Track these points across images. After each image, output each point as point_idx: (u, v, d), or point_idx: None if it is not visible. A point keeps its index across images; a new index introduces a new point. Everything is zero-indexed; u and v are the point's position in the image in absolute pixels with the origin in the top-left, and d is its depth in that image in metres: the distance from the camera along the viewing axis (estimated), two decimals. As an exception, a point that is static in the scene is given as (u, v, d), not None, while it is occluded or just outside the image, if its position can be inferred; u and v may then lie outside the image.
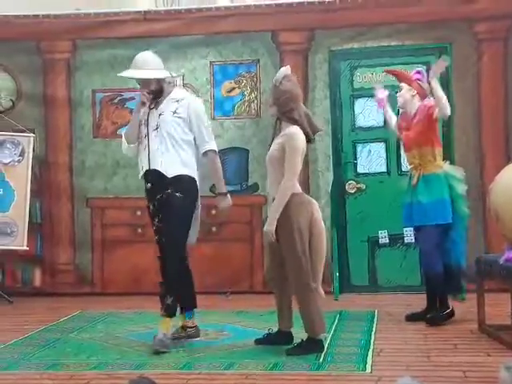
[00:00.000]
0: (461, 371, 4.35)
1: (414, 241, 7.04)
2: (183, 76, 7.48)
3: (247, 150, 7.39)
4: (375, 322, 5.72)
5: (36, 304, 7.01)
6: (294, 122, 4.85)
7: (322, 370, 4.47)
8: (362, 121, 7.25)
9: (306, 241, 4.75)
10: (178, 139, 5.17)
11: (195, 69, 7.44)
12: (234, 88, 7.49)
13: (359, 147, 7.25)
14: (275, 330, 5.10)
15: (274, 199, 4.86)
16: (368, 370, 4.44)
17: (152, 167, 5.15)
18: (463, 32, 7.01)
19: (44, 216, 7.55)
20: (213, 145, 5.27)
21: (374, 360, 4.62)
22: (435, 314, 5.61)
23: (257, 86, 7.39)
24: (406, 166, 7.11)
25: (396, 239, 7.10)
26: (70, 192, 7.50)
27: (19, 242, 7.20)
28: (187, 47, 7.47)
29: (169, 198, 5.11)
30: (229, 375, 4.43)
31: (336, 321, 5.76)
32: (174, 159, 5.15)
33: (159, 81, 5.27)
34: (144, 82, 5.29)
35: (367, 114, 7.24)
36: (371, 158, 7.23)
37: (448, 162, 5.87)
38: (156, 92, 5.24)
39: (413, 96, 5.75)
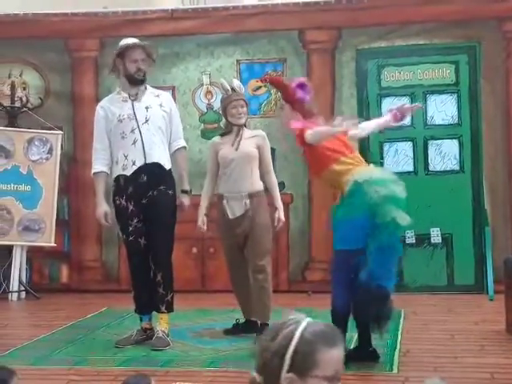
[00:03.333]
0: (488, 373, 4.32)
1: (440, 241, 7.06)
2: (210, 74, 7.50)
3: (274, 149, 7.35)
4: (401, 322, 5.69)
5: (63, 300, 7.07)
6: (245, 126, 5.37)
7: (348, 370, 4.43)
8: (389, 120, 7.21)
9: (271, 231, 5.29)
10: (165, 133, 5.20)
11: (222, 67, 7.46)
12: (260, 87, 7.49)
13: (386, 146, 7.22)
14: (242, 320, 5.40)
15: (248, 194, 5.15)
16: (394, 370, 4.43)
17: (149, 161, 5.06)
18: (492, 30, 6.96)
19: (71, 213, 7.61)
20: (184, 142, 5.38)
21: (400, 360, 4.60)
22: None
23: (283, 85, 7.37)
24: (433, 165, 7.14)
25: (423, 239, 7.07)
26: (98, 189, 7.53)
27: (47, 239, 7.26)
28: (214, 46, 7.49)
29: (162, 196, 5.07)
30: (255, 373, 4.42)
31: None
32: (165, 153, 5.19)
33: (148, 66, 5.25)
34: (144, 57, 5.15)
35: (394, 113, 7.20)
36: (398, 158, 7.20)
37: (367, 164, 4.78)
38: (144, 78, 5.17)
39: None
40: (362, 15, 7.11)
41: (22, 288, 7.26)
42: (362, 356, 4.55)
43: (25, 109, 7.49)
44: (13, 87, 7.54)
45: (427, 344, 5.04)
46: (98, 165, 5.16)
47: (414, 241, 7.08)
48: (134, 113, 5.09)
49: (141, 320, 5.24)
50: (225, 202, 5.22)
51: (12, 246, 7.26)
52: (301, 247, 7.31)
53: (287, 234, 7.30)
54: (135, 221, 5.08)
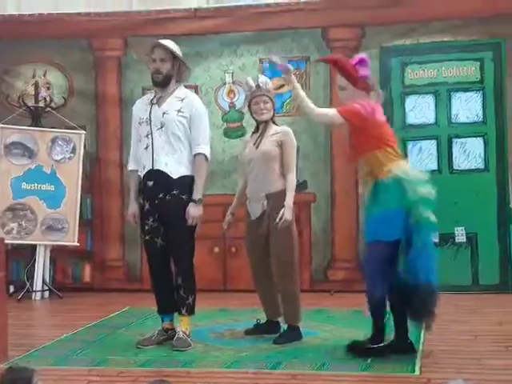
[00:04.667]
0: (513, 375, 4.26)
1: (465, 240, 6.99)
2: (232, 73, 7.49)
3: (297, 148, 7.33)
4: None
5: (85, 300, 7.10)
6: (275, 123, 5.25)
7: (371, 371, 4.41)
8: (412, 118, 7.16)
9: (295, 233, 5.17)
10: (183, 139, 5.02)
11: (244, 66, 7.44)
12: (283, 85, 7.44)
13: (410, 145, 7.15)
14: (263, 320, 5.38)
15: (266, 195, 5.08)
16: (417, 372, 4.37)
17: (156, 167, 5.00)
18: (518, 27, 6.87)
19: (94, 212, 7.64)
20: (205, 149, 5.06)
21: (422, 362, 4.54)
22: (360, 342, 4.73)
23: (306, 83, 7.35)
24: (458, 164, 7.06)
25: (447, 239, 6.99)
26: (121, 189, 7.53)
27: (70, 238, 7.30)
28: (237, 44, 7.48)
29: (175, 200, 5.00)
30: (276, 375, 4.40)
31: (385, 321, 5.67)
32: (179, 159, 5.02)
33: (173, 67, 5.07)
34: (164, 57, 5.01)
35: (418, 111, 7.15)
36: (422, 156, 7.13)
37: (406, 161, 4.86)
38: (164, 80, 5.03)
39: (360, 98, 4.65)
40: (386, 13, 7.05)
41: (46, 287, 7.30)
42: (400, 349, 4.62)
43: (48, 108, 7.53)
44: (36, 87, 7.58)
45: (450, 345, 4.98)
46: (131, 162, 5.21)
47: (438, 240, 6.96)
48: (150, 117, 5.03)
49: (162, 320, 5.23)
50: (248, 202, 5.22)
51: (36, 246, 7.30)
52: (323, 246, 7.28)
53: (310, 233, 7.28)
54: (151, 220, 5.07)
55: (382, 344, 4.65)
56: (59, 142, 7.36)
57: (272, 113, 5.22)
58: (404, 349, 4.66)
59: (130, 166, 5.22)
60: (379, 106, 4.71)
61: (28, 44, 7.63)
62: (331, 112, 4.66)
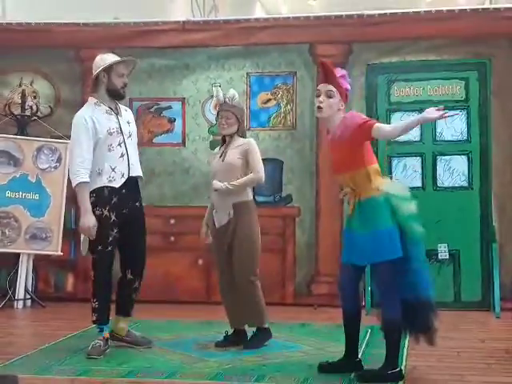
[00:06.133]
0: (495, 392, 4.29)
1: (447, 257, 7.03)
2: (220, 87, 7.49)
3: (282, 162, 7.39)
4: (407, 338, 5.64)
5: (68, 309, 7.07)
6: (243, 135, 5.47)
7: (354, 387, 4.44)
8: (397, 135, 7.19)
9: (258, 241, 5.38)
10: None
11: (232, 79, 7.47)
12: (269, 99, 7.50)
13: (395, 161, 7.21)
14: (231, 331, 5.50)
15: (232, 205, 5.29)
16: (400, 386, 4.39)
17: (132, 174, 5.24)
18: (503, 48, 6.98)
19: (78, 222, 7.59)
20: None
21: (406, 377, 4.56)
22: (375, 371, 4.54)
23: (293, 98, 7.40)
24: (442, 181, 7.12)
25: (430, 255, 7.00)
26: (105, 199, 7.53)
27: (53, 248, 7.28)
28: (225, 58, 7.52)
29: (140, 209, 5.36)
30: (259, 387, 4.42)
31: (367, 336, 5.69)
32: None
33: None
34: (129, 70, 5.41)
35: (404, 128, 7.19)
36: (406, 173, 7.18)
37: (388, 178, 4.90)
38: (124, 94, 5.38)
39: (339, 109, 4.61)
40: (373, 30, 7.12)
41: (28, 296, 7.26)
42: (386, 377, 4.46)
43: (35, 117, 7.52)
44: (23, 96, 7.57)
45: (433, 361, 5.00)
46: (86, 175, 5.10)
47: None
48: (120, 127, 5.23)
49: (102, 330, 5.28)
50: (214, 212, 5.43)
51: (19, 254, 7.27)
52: (307, 261, 7.30)
53: (294, 247, 7.30)
54: (115, 231, 5.20)
55: (398, 369, 4.53)
56: (45, 151, 7.35)
57: (235, 127, 5.40)
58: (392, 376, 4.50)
59: (86, 179, 5.09)
60: None
61: (15, 53, 7.63)
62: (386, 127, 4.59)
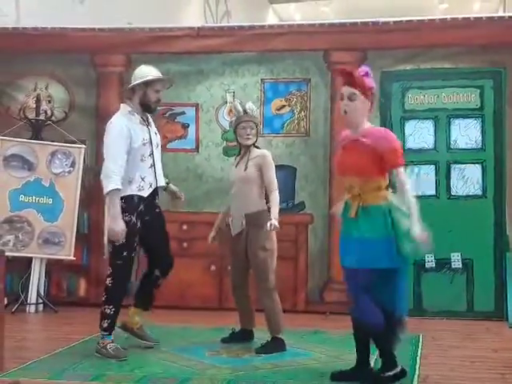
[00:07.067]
0: (509, 402, 4.27)
1: (460, 266, 7.01)
2: (234, 93, 7.52)
3: (295, 168, 7.38)
4: (420, 347, 5.64)
5: (80, 314, 7.06)
6: (257, 147, 5.64)
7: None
8: (412, 143, 7.19)
9: (274, 251, 5.51)
10: None
11: (246, 86, 7.47)
12: (283, 106, 7.50)
13: (409, 169, 7.17)
14: (237, 329, 5.78)
15: (245, 215, 5.47)
16: (413, 396, 4.38)
17: (158, 184, 5.43)
18: (519, 56, 6.94)
19: (91, 227, 7.62)
20: None
21: (419, 387, 4.55)
22: (378, 375, 4.60)
23: (307, 105, 7.39)
24: (455, 189, 7.09)
25: (443, 264, 7.03)
26: (118, 204, 7.55)
27: (66, 252, 7.29)
28: (239, 64, 7.52)
29: (161, 213, 5.53)
30: (272, 395, 4.41)
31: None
32: None
33: None
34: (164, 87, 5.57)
35: (417, 135, 7.18)
36: (420, 181, 7.16)
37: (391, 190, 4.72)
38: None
39: (365, 110, 4.63)
40: (388, 37, 7.11)
41: (40, 301, 7.28)
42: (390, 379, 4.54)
43: (49, 122, 7.54)
44: (38, 100, 7.59)
45: (446, 370, 4.98)
46: (119, 182, 5.17)
47: (434, 265, 7.04)
48: (150, 138, 5.38)
49: (110, 335, 5.37)
50: (230, 219, 5.63)
51: (31, 258, 7.28)
52: (320, 268, 7.28)
53: (306, 255, 7.29)
54: (137, 238, 5.36)
55: (398, 368, 4.58)
56: (59, 156, 7.37)
57: (256, 138, 5.61)
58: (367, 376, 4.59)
59: (119, 185, 5.18)
60: None
61: (31, 57, 7.66)
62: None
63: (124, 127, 5.24)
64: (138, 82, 5.33)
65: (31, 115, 7.56)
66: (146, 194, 5.33)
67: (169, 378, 4.69)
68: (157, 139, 5.47)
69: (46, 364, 5.04)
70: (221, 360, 5.21)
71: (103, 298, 5.34)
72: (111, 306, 5.29)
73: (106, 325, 5.31)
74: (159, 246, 5.50)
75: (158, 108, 7.44)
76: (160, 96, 5.43)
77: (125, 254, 5.26)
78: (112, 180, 5.15)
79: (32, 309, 7.20)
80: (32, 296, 7.23)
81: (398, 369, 4.56)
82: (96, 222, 7.59)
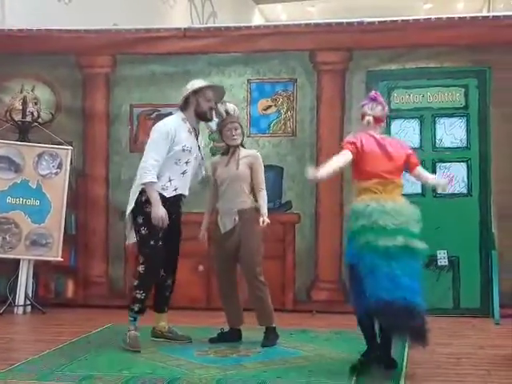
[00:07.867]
0: (494, 398, 4.30)
1: (447, 264, 7.05)
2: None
3: (282, 168, 7.41)
4: (407, 345, 5.66)
5: (68, 315, 7.07)
6: (243, 146, 5.82)
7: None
8: (397, 142, 7.21)
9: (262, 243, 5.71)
10: None
11: (232, 86, 7.47)
12: (270, 106, 7.53)
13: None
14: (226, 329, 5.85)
15: (238, 211, 5.63)
16: (400, 393, 4.41)
17: (183, 192, 5.69)
18: (502, 55, 6.97)
19: (79, 228, 7.62)
20: None
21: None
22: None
23: (293, 105, 7.42)
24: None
25: (429, 261, 7.03)
26: (106, 205, 7.57)
27: (54, 253, 7.28)
28: (225, 65, 7.53)
29: (179, 222, 5.80)
30: (260, 393, 4.43)
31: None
32: None
33: None
34: (218, 98, 5.78)
35: (403, 135, 7.19)
36: (406, 179, 7.17)
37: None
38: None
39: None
40: (373, 37, 7.14)
41: (28, 302, 7.27)
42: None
43: (35, 123, 7.53)
44: (24, 102, 7.57)
45: (432, 367, 5.02)
46: (155, 175, 5.49)
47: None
48: (192, 148, 5.64)
49: (135, 319, 5.59)
50: (219, 217, 5.75)
51: (19, 260, 7.28)
52: (307, 267, 7.31)
53: (293, 254, 7.31)
54: (160, 229, 5.55)
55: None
56: (46, 157, 7.36)
57: (242, 137, 5.77)
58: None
59: (154, 179, 5.50)
60: None
61: (16, 59, 7.65)
62: None
63: (172, 128, 5.56)
64: (188, 92, 5.64)
65: (18, 117, 7.54)
66: (168, 194, 5.56)
67: (157, 379, 4.69)
68: (198, 152, 5.70)
69: (33, 365, 5.03)
70: (209, 360, 5.22)
71: (135, 284, 5.60)
72: (142, 291, 5.55)
73: (136, 308, 5.58)
74: (172, 245, 5.71)
75: (145, 109, 7.60)
76: (212, 104, 5.66)
77: (152, 243, 5.53)
78: (149, 173, 5.47)
79: (20, 310, 7.19)
80: (20, 298, 7.22)
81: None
82: (84, 222, 7.60)
